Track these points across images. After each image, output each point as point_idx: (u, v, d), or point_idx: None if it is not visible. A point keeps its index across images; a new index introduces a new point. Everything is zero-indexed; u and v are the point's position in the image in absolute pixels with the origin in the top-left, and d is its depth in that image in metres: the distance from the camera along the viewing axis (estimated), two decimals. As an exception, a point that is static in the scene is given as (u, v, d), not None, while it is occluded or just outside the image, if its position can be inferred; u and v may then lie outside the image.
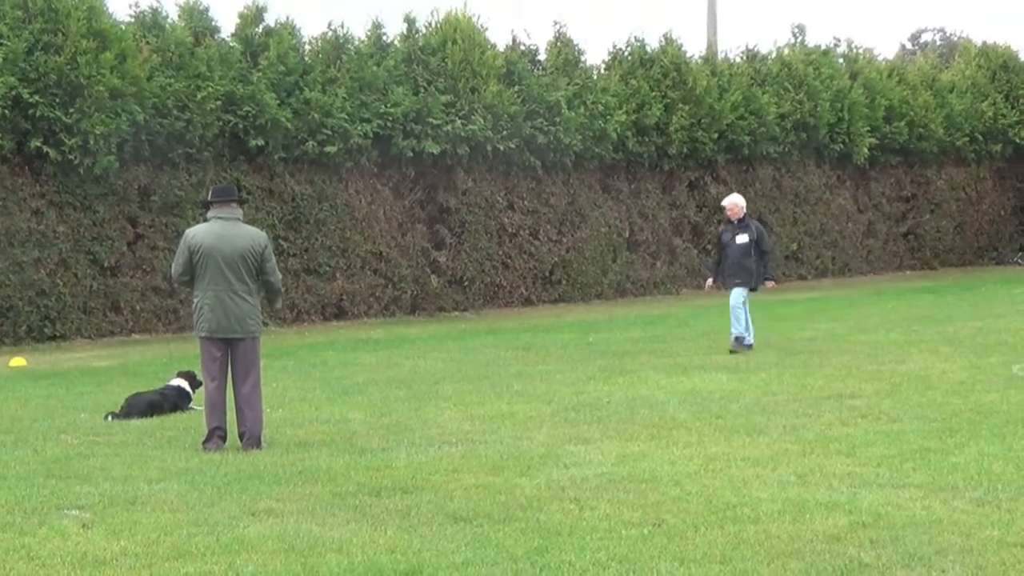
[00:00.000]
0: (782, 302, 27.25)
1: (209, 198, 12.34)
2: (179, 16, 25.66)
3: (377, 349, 20.70)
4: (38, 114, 22.23)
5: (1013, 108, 38.73)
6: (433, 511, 9.08)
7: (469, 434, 12.25)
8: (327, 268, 26.11)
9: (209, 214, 12.15)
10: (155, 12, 25.11)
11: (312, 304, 25.98)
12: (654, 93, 30.93)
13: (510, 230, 28.77)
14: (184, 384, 14.62)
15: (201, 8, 25.91)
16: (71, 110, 22.44)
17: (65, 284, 22.90)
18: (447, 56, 27.72)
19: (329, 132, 25.62)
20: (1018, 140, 38.63)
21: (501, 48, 29.23)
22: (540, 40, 32.95)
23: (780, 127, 32.97)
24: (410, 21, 28.23)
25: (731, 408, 13.40)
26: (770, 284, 19.78)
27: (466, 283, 28.12)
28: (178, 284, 12.50)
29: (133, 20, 24.96)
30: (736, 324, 18.51)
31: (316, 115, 25.46)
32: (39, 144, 22.33)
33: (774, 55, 34.53)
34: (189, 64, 24.36)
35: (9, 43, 22.18)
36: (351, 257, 26.49)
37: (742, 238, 18.91)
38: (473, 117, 27.39)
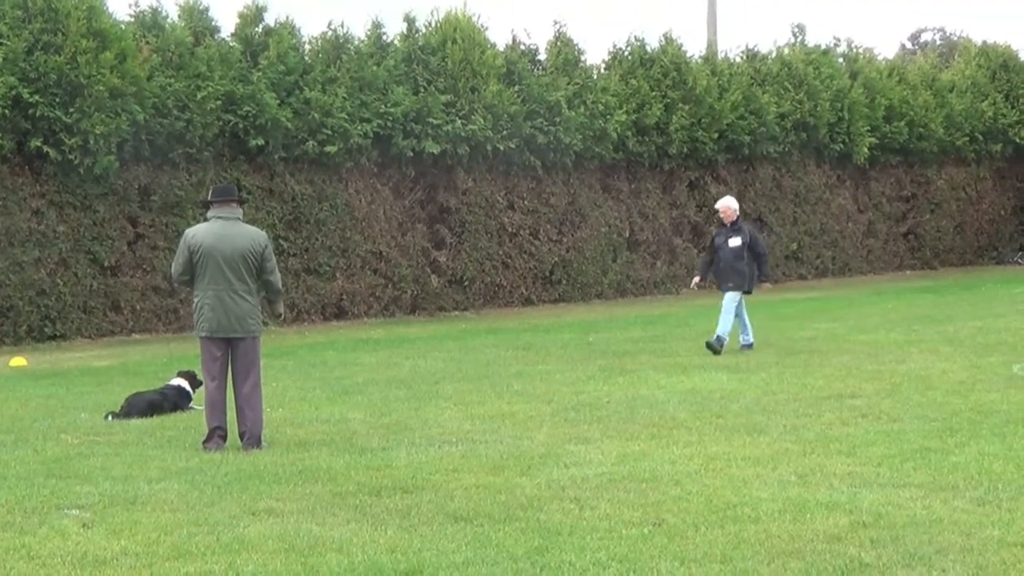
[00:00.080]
0: (782, 302, 27.25)
1: (209, 198, 12.34)
2: (179, 16, 25.66)
3: (377, 349, 20.71)
4: (38, 114, 22.23)
5: (1013, 108, 38.73)
6: (433, 511, 9.08)
7: (469, 434, 12.24)
8: (327, 268, 26.11)
9: (209, 214, 12.15)
10: (155, 12, 25.11)
11: (312, 304, 25.98)
12: (654, 93, 30.93)
13: (510, 230, 28.77)
14: (184, 384, 14.62)
15: (201, 8, 25.92)
16: (71, 110, 22.44)
17: (65, 284, 22.90)
18: (447, 56, 27.72)
19: (329, 132, 25.62)
20: (1018, 140, 38.63)
21: (501, 48, 29.24)
22: (540, 40, 32.95)
23: (780, 127, 32.97)
24: (410, 21, 28.25)
25: (731, 408, 13.40)
26: (767, 285, 19.76)
27: (466, 283, 28.12)
28: (178, 284, 12.51)
29: (133, 20, 24.96)
30: (723, 325, 18.46)
31: (316, 115, 25.46)
32: (39, 144, 22.33)
33: (774, 55, 34.53)
34: (189, 64, 24.36)
35: (9, 43, 22.18)
36: (351, 257, 26.49)
37: (735, 241, 18.89)
38: (473, 117, 27.39)
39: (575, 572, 7.54)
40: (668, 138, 30.85)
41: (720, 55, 34.35)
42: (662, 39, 31.97)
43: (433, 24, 28.42)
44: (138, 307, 23.82)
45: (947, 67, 40.44)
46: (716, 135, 31.55)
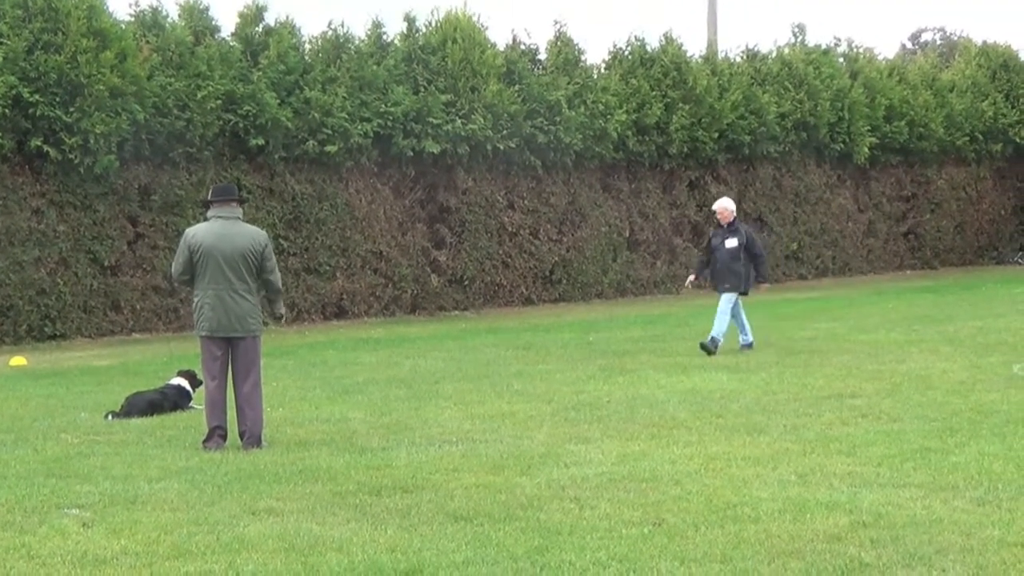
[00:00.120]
0: (783, 301, 27.25)
1: (209, 197, 12.34)
2: (179, 15, 25.67)
3: (377, 348, 20.71)
4: (38, 113, 22.23)
5: (1013, 107, 38.72)
6: (433, 510, 9.08)
7: (469, 433, 12.25)
8: (327, 267, 26.12)
9: (209, 213, 12.15)
10: (155, 11, 25.12)
11: (312, 303, 25.98)
12: (654, 92, 30.93)
13: (510, 229, 28.77)
14: (184, 383, 14.62)
15: (201, 7, 25.92)
16: (71, 109, 22.44)
17: (65, 283, 22.90)
18: (447, 55, 27.72)
19: (329, 131, 25.62)
20: (1018, 140, 38.62)
21: (501, 47, 29.24)
22: (540, 39, 33.03)
23: (780, 126, 32.96)
24: (410, 20, 28.25)
25: (731, 407, 13.40)
26: (765, 286, 19.73)
27: (466, 282, 28.12)
28: (178, 283, 12.51)
29: (133, 19, 24.97)
30: (718, 326, 18.44)
31: (316, 114, 25.46)
32: (39, 143, 22.33)
33: (774, 55, 34.53)
34: (189, 63, 24.36)
35: (9, 42, 22.18)
36: (351, 256, 26.49)
37: (731, 242, 18.87)
38: (473, 116, 27.39)
39: (575, 572, 7.54)
40: (668, 138, 30.85)
41: (720, 55, 34.35)
42: (662, 39, 31.98)
43: (433, 24, 28.42)
44: (138, 306, 23.82)
45: (947, 67, 40.43)
46: (716, 135, 31.55)
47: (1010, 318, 21.85)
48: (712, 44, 38.28)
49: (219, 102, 24.31)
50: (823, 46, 35.64)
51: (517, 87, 28.52)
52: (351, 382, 16.36)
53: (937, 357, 17.01)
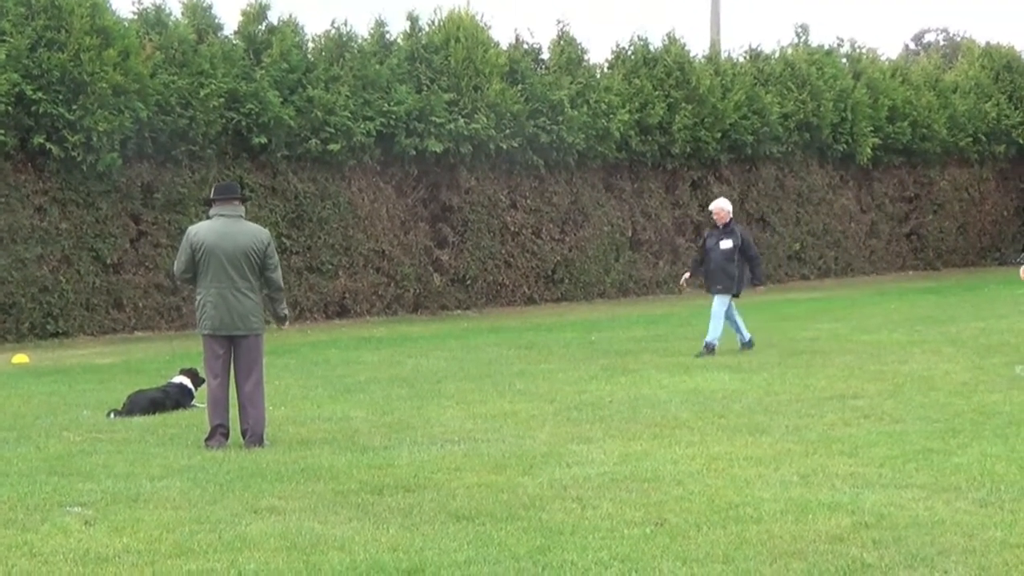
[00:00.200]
0: (785, 302, 27.25)
1: (212, 195, 12.35)
2: (182, 13, 25.67)
3: (379, 347, 20.71)
4: (41, 111, 22.23)
5: (1016, 109, 38.69)
6: (435, 509, 9.08)
7: (471, 433, 12.25)
8: (330, 266, 26.12)
9: (212, 211, 12.15)
10: (158, 9, 25.12)
11: (314, 302, 25.98)
12: (657, 92, 30.92)
13: (513, 229, 28.77)
14: (186, 381, 14.63)
15: (204, 5, 25.91)
16: (74, 107, 22.44)
17: (68, 281, 22.91)
18: (450, 54, 27.72)
19: (332, 130, 25.62)
20: (1021, 141, 38.59)
21: (504, 47, 29.23)
22: (543, 39, 33.09)
23: (783, 127, 32.95)
24: (413, 19, 28.24)
25: (734, 408, 13.39)
26: (760, 289, 19.64)
27: (469, 282, 28.11)
28: (181, 281, 12.52)
29: (136, 17, 24.97)
30: (713, 330, 18.40)
31: (319, 113, 25.46)
32: (42, 141, 22.33)
33: (777, 55, 34.50)
34: (192, 61, 24.36)
35: (12, 40, 22.18)
36: (354, 255, 26.49)
37: (726, 243, 18.82)
38: (476, 116, 27.39)
39: (577, 571, 7.54)
40: (671, 138, 30.84)
41: (723, 55, 34.32)
42: (665, 39, 31.96)
43: (436, 23, 28.42)
44: (140, 304, 23.83)
45: (950, 68, 40.40)
46: (719, 135, 31.53)
47: (1013, 319, 21.84)
48: (715, 44, 38.28)
49: (222, 100, 24.31)
50: (826, 46, 35.61)
51: (520, 86, 28.51)
52: (353, 381, 16.36)
53: (939, 358, 17.01)
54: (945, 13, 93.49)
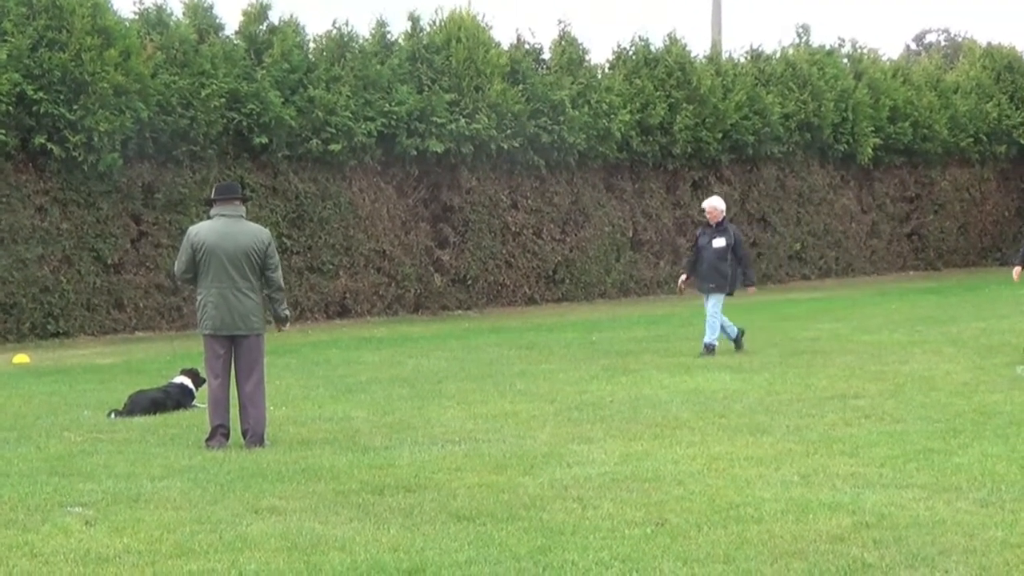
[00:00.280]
0: (786, 302, 27.26)
1: (212, 195, 12.35)
2: (183, 13, 25.67)
3: (380, 347, 20.71)
4: (42, 111, 22.23)
5: (1018, 109, 38.67)
6: (436, 510, 9.08)
7: (472, 433, 12.25)
8: (330, 266, 26.12)
9: (212, 211, 12.15)
10: (159, 9, 25.13)
11: (315, 302, 25.98)
12: (658, 92, 30.91)
13: (514, 229, 28.77)
14: (187, 381, 14.63)
15: (205, 5, 25.92)
16: (75, 107, 22.44)
17: (69, 281, 22.91)
18: (451, 55, 27.71)
19: (333, 130, 25.62)
20: (1022, 141, 38.56)
21: (505, 47, 29.22)
22: (544, 39, 33.07)
23: (784, 127, 32.94)
24: (414, 19, 28.24)
25: (734, 408, 13.39)
26: (751, 290, 19.54)
27: (469, 282, 28.11)
28: (182, 281, 12.52)
29: (137, 17, 24.98)
30: (710, 332, 18.37)
31: (320, 113, 25.46)
32: (43, 141, 22.33)
33: (778, 55, 34.48)
34: (193, 61, 24.36)
35: (13, 39, 22.18)
36: (354, 255, 26.49)
37: (718, 242, 18.75)
38: (477, 116, 27.39)
39: (578, 571, 7.54)
40: (672, 138, 30.83)
41: (724, 55, 34.31)
42: (666, 39, 31.95)
43: (437, 23, 28.41)
44: (141, 305, 23.83)
45: (952, 68, 40.38)
46: (720, 135, 31.52)
47: (1013, 319, 21.83)
48: (716, 44, 38.27)
49: (223, 100, 24.31)
50: (827, 47, 35.59)
51: (521, 87, 28.51)
52: (354, 381, 16.36)
53: (940, 358, 17.00)
54: (946, 13, 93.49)
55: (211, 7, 25.99)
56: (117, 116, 22.66)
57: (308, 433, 12.45)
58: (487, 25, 28.62)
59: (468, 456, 11.02)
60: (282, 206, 25.50)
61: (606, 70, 31.27)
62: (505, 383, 15.72)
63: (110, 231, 23.41)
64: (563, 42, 30.25)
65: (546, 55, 30.24)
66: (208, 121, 24.08)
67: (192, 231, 12.07)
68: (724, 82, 32.23)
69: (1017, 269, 16.81)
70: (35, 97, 22.14)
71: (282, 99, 25.08)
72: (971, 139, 37.36)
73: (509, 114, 27.88)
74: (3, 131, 21.81)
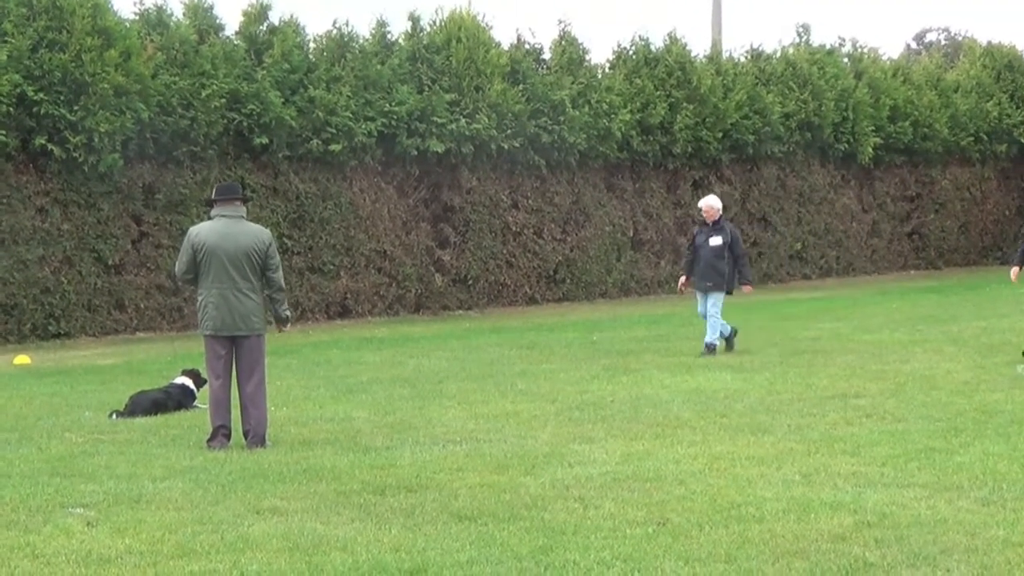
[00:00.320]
0: (786, 301, 27.26)
1: (213, 196, 12.36)
2: (183, 14, 25.67)
3: (381, 348, 20.71)
4: (42, 111, 22.24)
5: (1018, 108, 38.66)
6: (437, 510, 9.08)
7: (473, 433, 12.25)
8: (331, 266, 26.12)
9: (213, 212, 12.15)
10: (159, 10, 25.13)
11: (316, 303, 25.98)
12: (659, 92, 30.91)
13: (514, 229, 28.77)
14: (188, 382, 14.63)
15: (205, 6, 25.92)
16: (75, 108, 22.44)
17: (69, 282, 22.91)
18: (451, 55, 27.71)
19: (333, 130, 25.62)
20: (1023, 140, 38.57)
21: (506, 47, 29.22)
22: (544, 39, 33.07)
23: (785, 126, 32.93)
24: (414, 19, 28.24)
25: (735, 407, 13.39)
26: (748, 288, 19.41)
27: (470, 282, 28.11)
28: (182, 282, 12.52)
29: (137, 18, 24.98)
30: (711, 331, 18.35)
31: (320, 113, 25.46)
32: (43, 142, 22.33)
33: (779, 54, 34.47)
34: (193, 62, 24.36)
35: (14, 40, 22.19)
36: (355, 256, 26.49)
37: (715, 240, 18.70)
38: (477, 116, 27.39)
39: (579, 571, 7.54)
40: (672, 137, 30.83)
41: (725, 55, 34.31)
42: (666, 38, 31.95)
43: (437, 23, 28.41)
44: (142, 305, 23.83)
45: (952, 67, 40.38)
46: (720, 135, 31.52)
47: (1014, 318, 21.82)
48: (716, 44, 38.26)
49: (223, 101, 24.31)
50: (827, 46, 35.59)
51: (521, 86, 28.51)
52: (355, 381, 16.36)
53: (941, 357, 17.00)
54: (946, 12, 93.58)
55: (211, 8, 26.00)
56: (117, 117, 22.66)
57: (309, 433, 12.45)
58: (487, 25, 28.65)
59: (469, 456, 11.02)
60: (283, 206, 25.50)
61: (606, 70, 31.27)
62: (506, 383, 15.72)
63: (111, 232, 23.41)
64: (563, 42, 30.25)
65: (546, 55, 30.24)
66: (208, 122, 24.08)
67: (193, 232, 12.07)
68: (724, 82, 32.23)
69: (1015, 269, 16.80)
70: (35, 98, 22.14)
71: (282, 99, 25.09)
72: (971, 138, 37.36)
73: (509, 114, 27.88)
74: (3, 132, 21.82)
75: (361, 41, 27.23)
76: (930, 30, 68.67)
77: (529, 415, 13.24)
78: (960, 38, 58.17)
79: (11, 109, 21.87)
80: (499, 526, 8.57)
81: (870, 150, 34.54)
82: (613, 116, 29.60)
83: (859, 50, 36.99)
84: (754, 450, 10.97)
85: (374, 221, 26.70)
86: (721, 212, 19.16)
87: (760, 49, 34.44)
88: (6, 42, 22.18)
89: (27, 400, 15.39)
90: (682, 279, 19.68)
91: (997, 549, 7.74)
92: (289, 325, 12.63)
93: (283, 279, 12.28)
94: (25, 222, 22.45)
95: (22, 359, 19.84)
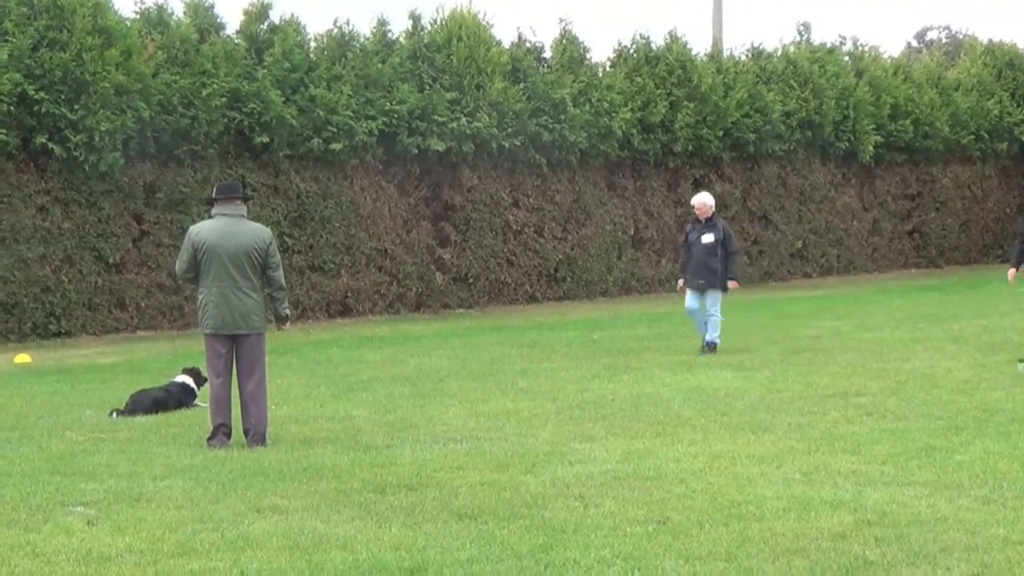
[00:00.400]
0: (787, 300, 27.26)
1: (214, 195, 12.36)
2: (184, 13, 25.67)
3: (382, 346, 20.71)
4: (43, 110, 22.24)
5: (1019, 106, 38.65)
6: (438, 508, 9.08)
7: (474, 431, 12.25)
8: (332, 265, 26.11)
9: (214, 211, 12.15)
10: (160, 9, 25.13)
11: (317, 301, 25.99)
12: (659, 91, 30.91)
13: (515, 227, 28.76)
14: (189, 381, 14.63)
15: (206, 5, 25.92)
16: (76, 107, 22.44)
17: (70, 281, 22.91)
18: (452, 53, 27.71)
19: (334, 129, 25.62)
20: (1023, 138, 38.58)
21: (506, 45, 29.22)
22: (545, 37, 33.09)
23: (785, 125, 32.92)
24: (415, 18, 28.23)
25: (736, 406, 13.39)
26: (733, 284, 19.31)
27: (471, 280, 28.11)
28: (183, 281, 12.53)
29: (138, 17, 24.98)
30: (712, 330, 18.33)
31: (321, 112, 25.46)
32: (44, 140, 22.34)
33: (779, 53, 34.47)
34: (194, 61, 24.36)
35: (14, 39, 22.19)
36: (356, 254, 26.49)
37: (708, 237, 18.66)
38: (478, 114, 27.39)
39: (579, 570, 7.54)
40: (673, 136, 30.83)
41: (725, 53, 34.32)
42: (667, 37, 31.95)
43: (438, 21, 28.41)
44: (143, 304, 23.84)
45: (953, 65, 40.36)
46: (721, 133, 31.52)
47: (1015, 317, 21.83)
48: (717, 42, 38.27)
49: (224, 100, 24.31)
50: (828, 44, 35.59)
51: (522, 85, 28.51)
52: (356, 380, 16.36)
53: (942, 355, 17.00)
54: (947, 11, 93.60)
55: (212, 7, 26.00)
56: (118, 116, 22.66)
57: (310, 432, 12.45)
58: (488, 24, 28.65)
59: (470, 454, 11.02)
60: (283, 205, 25.50)
61: (607, 68, 31.27)
62: (507, 381, 15.72)
63: (111, 231, 23.41)
64: (564, 40, 30.24)
65: (547, 53, 30.24)
66: (209, 120, 24.09)
67: (193, 230, 12.07)
68: (725, 80, 32.22)
69: (1012, 271, 16.80)
70: (36, 97, 22.14)
71: (283, 98, 25.09)
72: (972, 136, 37.35)
73: (510, 112, 27.88)
74: (4, 131, 21.82)
75: (362, 40, 27.23)
76: (931, 28, 68.77)
77: (530, 413, 13.24)
78: (961, 36, 58.18)
79: (12, 108, 21.88)
80: (499, 524, 8.57)
81: (871, 148, 34.53)
82: (614, 114, 29.59)
83: (860, 48, 36.99)
84: (754, 448, 10.97)
85: (375, 220, 26.71)
86: (714, 209, 19.16)
87: (761, 48, 34.46)
88: (7, 41, 22.19)
89: (28, 399, 15.40)
90: (680, 282, 19.64)
91: (997, 547, 7.74)
92: (289, 324, 12.63)
93: (283, 278, 12.29)
94: (26, 221, 22.45)
95: (23, 358, 19.84)
